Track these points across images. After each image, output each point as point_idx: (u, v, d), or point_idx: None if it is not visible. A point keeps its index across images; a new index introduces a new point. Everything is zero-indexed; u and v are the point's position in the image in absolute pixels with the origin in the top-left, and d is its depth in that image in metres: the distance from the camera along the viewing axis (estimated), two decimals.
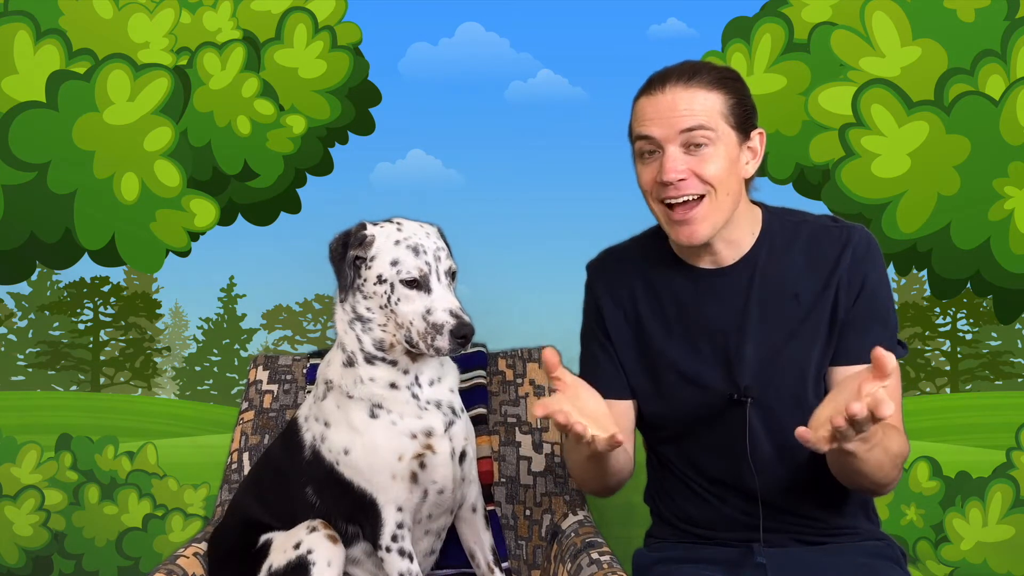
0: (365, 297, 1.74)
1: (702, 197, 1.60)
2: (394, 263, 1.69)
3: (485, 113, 2.60)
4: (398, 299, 1.69)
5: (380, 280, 1.71)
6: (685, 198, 1.60)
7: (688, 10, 2.56)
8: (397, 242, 1.70)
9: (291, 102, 2.60)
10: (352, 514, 1.78)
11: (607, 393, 1.78)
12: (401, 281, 1.68)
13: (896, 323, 1.69)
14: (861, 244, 1.66)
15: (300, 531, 1.76)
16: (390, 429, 1.73)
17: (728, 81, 1.62)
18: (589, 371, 1.82)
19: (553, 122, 2.59)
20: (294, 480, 1.82)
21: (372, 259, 1.72)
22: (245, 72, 2.60)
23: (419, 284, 1.68)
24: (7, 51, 2.60)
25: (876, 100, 2.51)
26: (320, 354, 2.23)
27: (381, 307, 1.73)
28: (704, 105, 1.58)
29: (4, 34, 2.61)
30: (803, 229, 1.70)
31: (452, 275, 1.73)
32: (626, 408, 1.80)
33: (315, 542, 1.73)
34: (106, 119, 2.61)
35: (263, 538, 1.81)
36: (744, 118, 1.63)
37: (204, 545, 1.92)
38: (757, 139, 1.66)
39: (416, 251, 1.69)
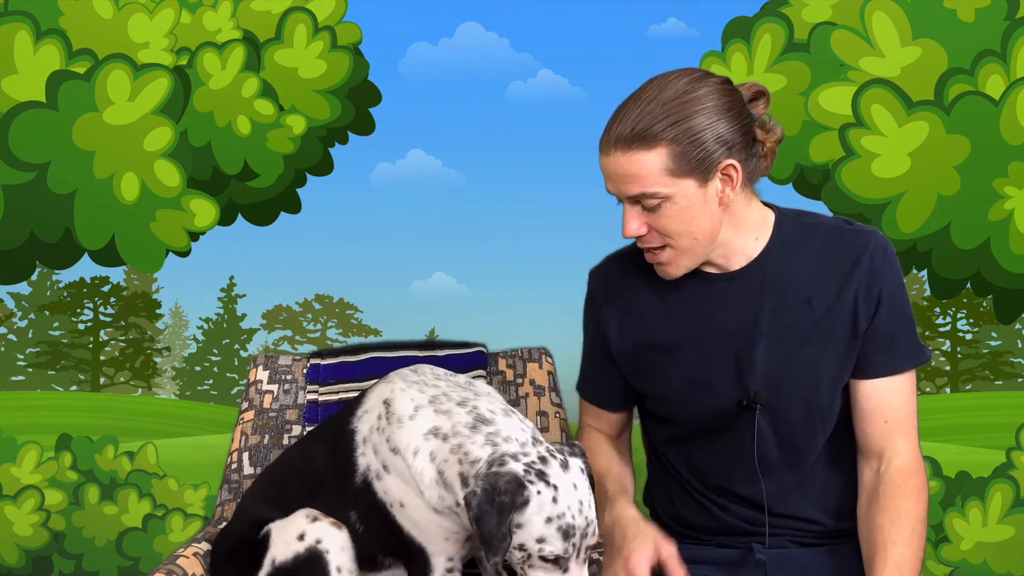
0: None
1: (666, 245, 1.60)
2: (540, 540, 1.53)
3: (485, 113, 2.60)
4: (531, 564, 1.55)
5: (520, 548, 1.55)
6: (650, 246, 1.61)
7: (688, 10, 2.56)
8: (549, 519, 1.52)
9: (291, 102, 2.60)
10: (395, 550, 1.70)
11: (604, 404, 1.80)
12: (540, 556, 1.54)
13: (915, 325, 1.68)
14: (878, 251, 1.62)
15: (300, 520, 1.70)
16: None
17: (677, 124, 1.52)
18: (588, 379, 1.82)
19: (553, 122, 2.59)
20: (337, 498, 1.72)
21: (518, 525, 1.54)
22: (245, 72, 2.60)
23: (557, 561, 1.54)
24: (7, 51, 2.60)
25: (876, 100, 2.51)
26: (320, 354, 2.22)
27: (516, 564, 1.59)
28: (644, 168, 1.53)
29: (4, 34, 2.61)
30: (816, 231, 1.67)
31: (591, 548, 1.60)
32: (621, 418, 1.81)
33: (321, 531, 1.68)
34: (106, 119, 2.61)
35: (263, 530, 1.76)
36: (700, 160, 1.53)
37: (204, 545, 1.92)
38: (729, 171, 1.57)
39: (567, 534, 1.52)
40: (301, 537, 1.68)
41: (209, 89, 2.60)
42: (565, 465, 1.54)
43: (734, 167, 1.56)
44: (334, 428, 1.77)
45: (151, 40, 2.60)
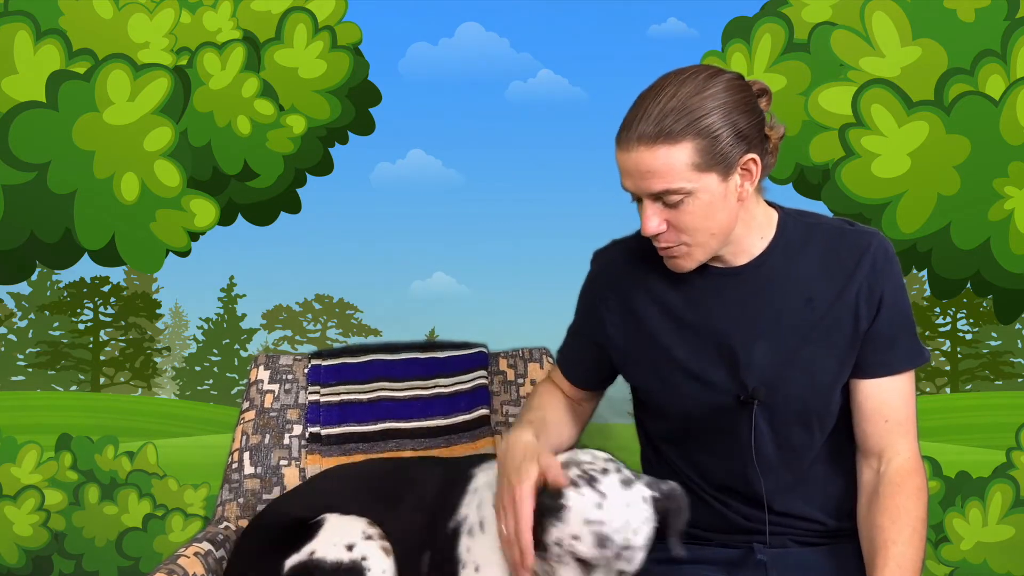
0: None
1: (682, 242, 1.61)
2: (575, 537, 1.51)
3: (485, 113, 2.60)
4: (563, 562, 1.54)
5: (558, 544, 1.54)
6: (667, 244, 1.61)
7: (688, 10, 2.56)
8: (588, 522, 1.51)
9: (291, 102, 2.60)
10: None
11: (574, 380, 1.82)
12: (571, 553, 1.53)
13: (915, 325, 1.69)
14: (880, 252, 1.63)
15: (355, 531, 1.70)
16: None
17: (700, 120, 1.52)
18: (564, 350, 1.84)
19: (553, 122, 2.59)
20: (427, 531, 1.71)
21: (560, 520, 1.52)
22: (245, 72, 2.60)
23: (586, 565, 1.53)
24: (7, 51, 2.60)
25: (876, 100, 2.51)
26: (321, 355, 2.22)
27: (549, 559, 1.57)
28: (668, 164, 1.52)
29: (4, 34, 2.61)
30: (818, 232, 1.67)
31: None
32: (579, 394, 1.82)
33: (370, 550, 1.67)
34: (106, 119, 2.61)
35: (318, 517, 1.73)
36: (723, 154, 1.54)
37: (205, 545, 1.92)
38: (749, 165, 1.57)
39: (602, 543, 1.50)
40: (350, 548, 1.67)
41: (209, 89, 2.60)
42: (628, 483, 1.53)
43: (754, 161, 1.57)
44: (457, 465, 1.78)
45: (151, 40, 2.60)
